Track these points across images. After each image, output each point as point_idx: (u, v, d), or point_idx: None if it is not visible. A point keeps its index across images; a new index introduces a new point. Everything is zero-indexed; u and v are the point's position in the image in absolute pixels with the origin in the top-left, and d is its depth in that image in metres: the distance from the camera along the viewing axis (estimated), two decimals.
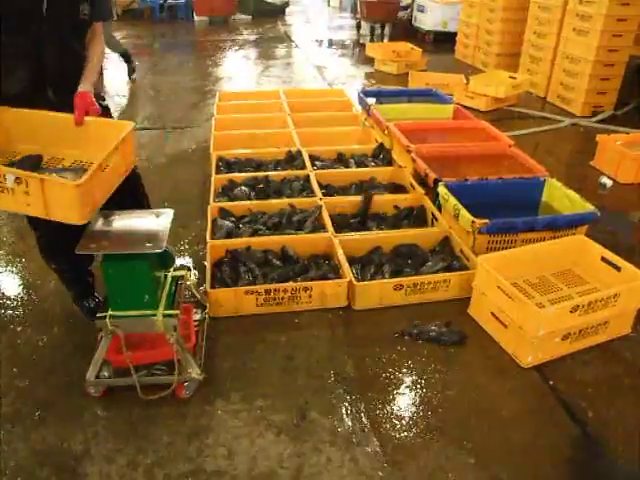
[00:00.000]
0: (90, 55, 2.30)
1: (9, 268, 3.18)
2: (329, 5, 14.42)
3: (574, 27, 5.89)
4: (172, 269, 2.31)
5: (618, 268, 2.77)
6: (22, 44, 2.10)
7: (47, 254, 2.59)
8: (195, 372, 2.27)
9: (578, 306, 2.46)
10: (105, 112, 2.37)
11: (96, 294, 2.76)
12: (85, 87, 2.18)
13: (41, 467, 2.00)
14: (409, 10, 10.02)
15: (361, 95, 5.33)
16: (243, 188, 3.62)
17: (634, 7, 5.50)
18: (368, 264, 3.02)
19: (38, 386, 2.36)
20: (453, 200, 3.21)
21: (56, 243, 2.47)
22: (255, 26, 11.53)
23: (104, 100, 2.53)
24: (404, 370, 2.49)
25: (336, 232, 3.14)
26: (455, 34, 8.70)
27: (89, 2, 2.19)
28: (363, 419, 2.23)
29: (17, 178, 1.79)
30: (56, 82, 2.22)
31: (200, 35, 10.77)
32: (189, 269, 2.85)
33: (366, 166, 4.06)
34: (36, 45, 2.11)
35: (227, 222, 3.22)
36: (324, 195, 3.53)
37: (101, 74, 2.41)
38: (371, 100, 5.20)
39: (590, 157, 4.67)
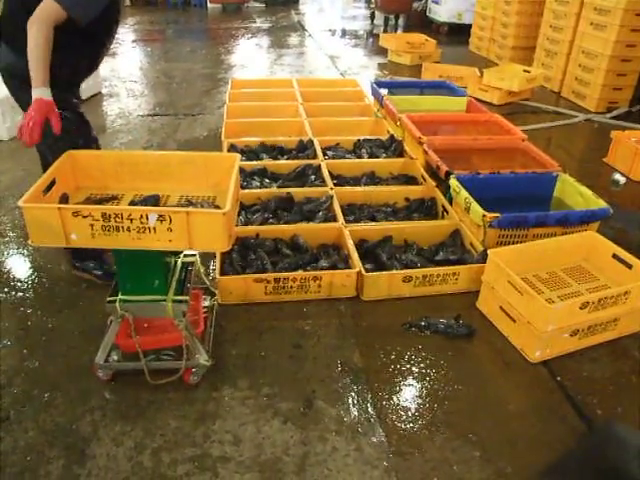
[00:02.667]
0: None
1: (21, 251, 3.20)
2: None
3: (591, 21, 5.83)
4: (182, 255, 2.32)
5: (629, 266, 2.75)
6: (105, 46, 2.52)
7: None
8: (203, 358, 2.28)
9: (588, 303, 2.45)
10: None
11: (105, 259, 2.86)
12: None
13: (50, 447, 2.02)
14: (424, 1, 9.95)
15: (374, 86, 5.31)
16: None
17: None
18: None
19: (48, 368, 2.38)
20: (464, 193, 3.19)
21: None
22: (268, 14, 11.51)
23: None
24: (411, 362, 2.49)
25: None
26: (470, 26, 8.64)
27: None
28: (369, 409, 2.24)
29: (160, 216, 1.78)
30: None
31: (213, 22, 10.76)
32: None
33: (378, 157, 4.04)
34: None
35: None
36: (335, 185, 3.52)
37: None
38: (384, 91, 5.18)
39: (604, 153, 4.63)
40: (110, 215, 1.78)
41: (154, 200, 2.09)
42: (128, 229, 1.80)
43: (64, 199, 2.01)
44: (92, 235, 1.82)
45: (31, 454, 2.00)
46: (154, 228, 1.80)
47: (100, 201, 2.10)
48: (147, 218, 1.79)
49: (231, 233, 1.93)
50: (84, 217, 1.79)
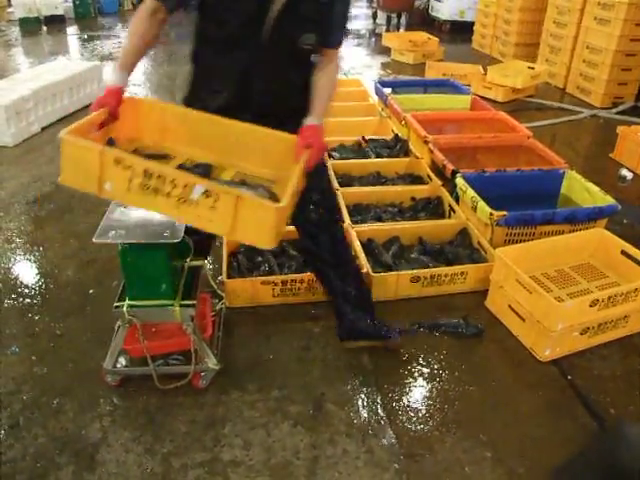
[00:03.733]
0: (318, 84, 2.05)
1: (27, 257, 3.20)
2: None
3: (595, 16, 5.80)
4: (189, 259, 2.31)
5: (638, 262, 2.73)
6: (236, 61, 1.99)
7: None
8: (212, 362, 2.27)
9: (597, 300, 2.43)
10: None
11: None
12: (312, 120, 2.00)
13: (60, 454, 2.02)
14: None
15: (378, 85, 5.30)
16: None
17: None
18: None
19: (56, 374, 2.38)
20: (471, 192, 3.17)
21: None
22: None
23: None
24: (421, 362, 2.48)
25: None
26: (472, 23, 8.61)
27: (316, 30, 1.94)
28: (379, 411, 2.23)
29: (207, 190, 1.56)
30: (259, 108, 2.02)
31: None
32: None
33: (383, 157, 4.02)
34: (248, 67, 1.97)
35: None
36: (341, 185, 3.51)
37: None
38: (387, 90, 5.17)
39: (610, 149, 4.61)
40: (152, 174, 1.59)
41: (205, 169, 1.90)
42: (168, 194, 1.60)
43: (110, 143, 1.80)
44: (128, 189, 1.62)
45: (41, 460, 2.00)
46: (197, 202, 1.59)
47: (149, 156, 1.85)
48: (192, 189, 1.59)
49: (281, 230, 1.71)
50: (125, 168, 1.61)
